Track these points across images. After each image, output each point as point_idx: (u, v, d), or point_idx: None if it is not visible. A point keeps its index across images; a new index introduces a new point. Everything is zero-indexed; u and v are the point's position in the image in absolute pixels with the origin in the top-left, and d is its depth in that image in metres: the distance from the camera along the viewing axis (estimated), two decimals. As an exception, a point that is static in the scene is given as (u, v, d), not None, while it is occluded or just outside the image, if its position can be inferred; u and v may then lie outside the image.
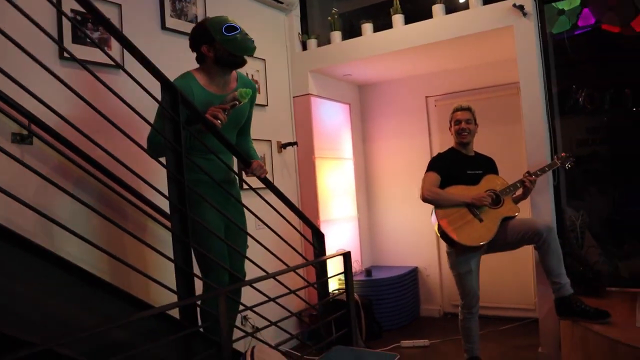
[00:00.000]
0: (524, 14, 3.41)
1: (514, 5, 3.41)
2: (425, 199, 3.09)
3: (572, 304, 2.84)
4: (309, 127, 4.30)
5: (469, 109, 3.21)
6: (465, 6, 3.71)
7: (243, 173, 2.71)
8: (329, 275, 2.96)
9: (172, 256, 2.05)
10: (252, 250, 2.61)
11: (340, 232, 4.63)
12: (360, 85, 5.13)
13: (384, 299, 4.34)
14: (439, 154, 3.32)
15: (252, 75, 3.92)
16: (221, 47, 2.42)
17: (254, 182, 2.66)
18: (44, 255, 1.69)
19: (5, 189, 1.53)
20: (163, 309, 1.87)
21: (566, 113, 4.04)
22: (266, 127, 4.05)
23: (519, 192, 3.22)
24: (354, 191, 4.88)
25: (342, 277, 4.27)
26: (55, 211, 2.40)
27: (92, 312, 1.81)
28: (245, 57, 2.53)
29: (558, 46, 4.24)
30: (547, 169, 3.24)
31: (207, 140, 2.37)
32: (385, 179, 5.01)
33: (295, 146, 4.27)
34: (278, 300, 2.41)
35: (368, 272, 4.52)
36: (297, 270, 2.58)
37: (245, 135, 2.76)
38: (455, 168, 3.17)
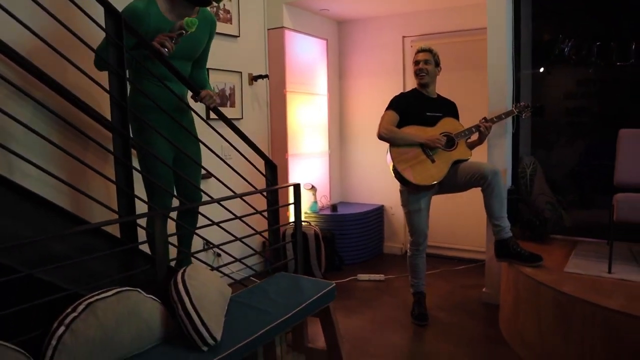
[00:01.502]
0: (498, -45, 3.36)
1: (488, -55, 3.36)
2: (380, 137, 3.18)
3: (509, 246, 3.00)
4: (281, 61, 4.32)
5: (429, 51, 3.24)
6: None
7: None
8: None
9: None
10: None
11: (311, 167, 4.75)
12: (339, 22, 5.09)
13: (347, 234, 4.53)
14: (401, 94, 3.38)
15: (224, 4, 3.90)
16: None
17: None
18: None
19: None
20: (99, 224, 2.01)
21: (551, 63, 4.08)
22: (237, 58, 4.07)
23: (475, 136, 3.31)
24: (327, 127, 4.96)
25: (307, 210, 4.48)
26: (14, 130, 2.48)
27: (37, 230, 1.95)
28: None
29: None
30: (503, 116, 3.32)
31: (158, 67, 2.44)
32: (359, 116, 5.08)
33: (267, 79, 4.31)
34: (230, 229, 2.58)
35: (334, 207, 4.68)
36: (252, 201, 2.74)
37: (201, 68, 2.81)
38: (414, 108, 3.24)
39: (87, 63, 2.26)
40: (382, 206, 4.95)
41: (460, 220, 4.55)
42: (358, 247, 4.60)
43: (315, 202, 4.63)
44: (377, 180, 4.97)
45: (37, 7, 1.93)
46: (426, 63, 3.24)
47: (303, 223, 4.34)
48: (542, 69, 4.22)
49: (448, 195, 3.42)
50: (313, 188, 4.60)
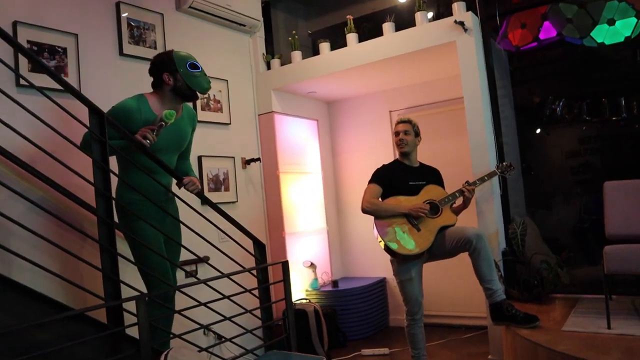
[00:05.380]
0: (465, 30, 3.60)
1: (456, 21, 3.61)
2: (364, 211, 3.28)
3: (503, 309, 2.97)
4: (273, 144, 4.52)
5: (408, 122, 3.40)
6: (413, 23, 3.92)
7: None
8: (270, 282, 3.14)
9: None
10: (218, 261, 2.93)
11: (309, 244, 4.82)
12: (328, 102, 5.37)
13: (349, 310, 4.51)
14: (383, 166, 3.49)
15: (214, 95, 4.17)
16: (182, 79, 2.73)
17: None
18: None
19: None
20: (80, 311, 2.10)
21: (544, 123, 4.24)
22: (229, 144, 4.28)
23: (460, 201, 3.38)
24: (323, 204, 5.08)
25: (308, 287, 4.51)
26: (9, 224, 2.61)
27: (22, 319, 2.04)
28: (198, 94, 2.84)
29: (525, 58, 4.47)
30: (486, 178, 3.40)
31: (146, 160, 2.62)
32: (354, 191, 5.18)
33: (259, 162, 4.49)
34: (228, 311, 2.66)
35: (335, 283, 4.69)
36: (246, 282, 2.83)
37: (185, 159, 3.02)
38: (397, 179, 3.34)
39: (78, 159, 2.44)
40: (385, 278, 4.95)
41: (463, 287, 4.50)
42: (362, 321, 4.56)
43: (316, 279, 4.65)
44: (377, 253, 4.95)
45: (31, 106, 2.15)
46: (406, 134, 3.38)
47: (303, 301, 4.36)
48: (538, 130, 4.38)
49: (449, 263, 3.44)
50: (312, 265, 4.64)
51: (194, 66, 2.77)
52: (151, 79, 2.83)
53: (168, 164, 2.72)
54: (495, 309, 3.02)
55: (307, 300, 4.35)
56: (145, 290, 2.59)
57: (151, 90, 2.82)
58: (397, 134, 3.40)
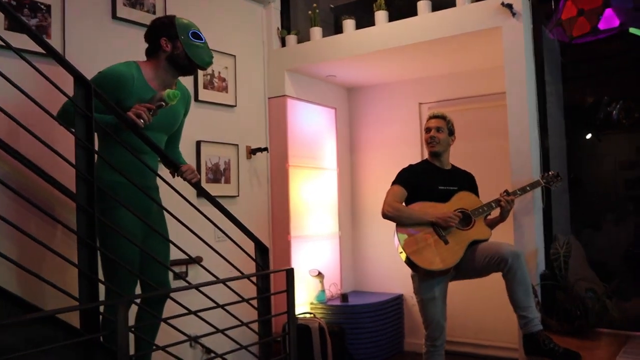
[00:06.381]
0: (513, 14, 3.52)
1: (503, 3, 3.53)
2: (385, 216, 3.22)
3: (539, 341, 2.90)
4: (283, 132, 4.48)
5: (442, 117, 3.34)
6: (453, 3, 3.85)
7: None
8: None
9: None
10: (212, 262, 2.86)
11: (318, 251, 4.78)
12: (348, 88, 5.31)
13: (360, 328, 4.45)
14: (410, 166, 3.44)
15: (219, 73, 4.13)
16: (181, 47, 2.70)
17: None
18: None
19: None
20: (53, 312, 2.05)
21: (596, 128, 4.14)
22: (233, 130, 4.24)
23: (496, 213, 3.31)
24: (337, 205, 5.03)
25: (313, 300, 4.47)
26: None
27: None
28: (197, 69, 2.84)
29: (579, 51, 4.37)
30: (528, 188, 3.33)
31: (135, 140, 2.56)
32: (373, 193, 5.11)
33: (266, 152, 4.44)
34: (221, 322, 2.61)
35: (344, 296, 4.64)
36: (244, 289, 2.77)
37: (175, 146, 2.99)
38: (425, 182, 3.29)
39: (55, 134, 2.40)
40: (401, 295, 4.90)
41: (492, 313, 4.43)
42: (373, 343, 4.50)
43: (323, 290, 4.60)
44: (395, 266, 4.88)
45: (6, 68, 2.10)
46: (438, 131, 3.32)
47: (306, 315, 4.31)
48: (589, 136, 4.29)
49: (477, 283, 3.37)
50: (320, 275, 4.59)
51: (197, 36, 2.75)
52: (146, 47, 2.80)
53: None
54: (530, 340, 2.94)
55: (312, 315, 4.31)
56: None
57: (144, 59, 2.80)
58: (427, 130, 3.35)
